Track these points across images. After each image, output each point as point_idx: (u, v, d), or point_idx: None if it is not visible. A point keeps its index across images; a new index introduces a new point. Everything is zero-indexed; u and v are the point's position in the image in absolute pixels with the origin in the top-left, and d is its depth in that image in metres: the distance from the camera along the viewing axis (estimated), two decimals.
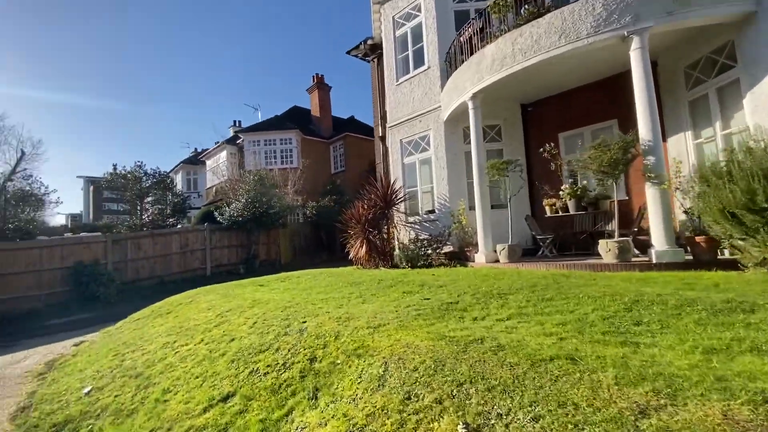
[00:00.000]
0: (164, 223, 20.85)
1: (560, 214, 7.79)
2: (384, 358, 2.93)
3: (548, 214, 8.02)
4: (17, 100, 63.40)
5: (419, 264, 8.24)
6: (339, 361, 3.25)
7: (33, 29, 64.49)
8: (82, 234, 17.53)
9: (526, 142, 9.02)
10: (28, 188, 33.11)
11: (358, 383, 2.77)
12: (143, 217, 26.93)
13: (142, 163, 22.19)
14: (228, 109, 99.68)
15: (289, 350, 3.70)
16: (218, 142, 28.64)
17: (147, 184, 27.95)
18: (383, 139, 13.40)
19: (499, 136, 9.08)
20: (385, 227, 9.88)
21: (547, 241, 7.73)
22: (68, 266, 11.72)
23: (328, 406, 2.72)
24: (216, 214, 15.56)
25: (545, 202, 8.08)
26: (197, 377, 3.84)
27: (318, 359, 3.40)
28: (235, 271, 15.11)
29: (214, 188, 24.36)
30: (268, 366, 3.56)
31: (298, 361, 3.46)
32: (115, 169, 26.42)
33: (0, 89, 61.01)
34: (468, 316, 3.68)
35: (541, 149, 7.33)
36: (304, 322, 4.29)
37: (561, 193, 7.62)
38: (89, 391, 4.25)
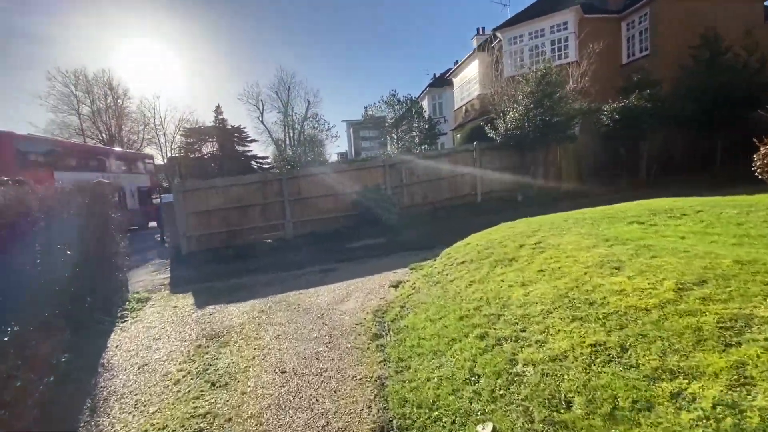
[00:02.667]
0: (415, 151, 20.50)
1: None
2: None
3: None
4: (297, 59, 79.40)
5: None
6: None
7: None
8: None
9: None
10: (316, 127, 40.95)
11: None
12: (399, 145, 28.34)
13: (395, 91, 22.23)
14: (468, 20, 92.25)
15: None
16: (457, 62, 25.91)
17: (399, 114, 28.88)
18: None
19: None
20: None
21: None
22: (356, 191, 11.89)
23: None
24: (487, 128, 12.90)
25: None
26: None
27: None
28: (511, 199, 12.45)
29: (463, 108, 22.17)
30: None
31: None
32: (366, 111, 28.59)
33: (287, 54, 78.39)
34: None
35: None
36: None
37: None
38: None
